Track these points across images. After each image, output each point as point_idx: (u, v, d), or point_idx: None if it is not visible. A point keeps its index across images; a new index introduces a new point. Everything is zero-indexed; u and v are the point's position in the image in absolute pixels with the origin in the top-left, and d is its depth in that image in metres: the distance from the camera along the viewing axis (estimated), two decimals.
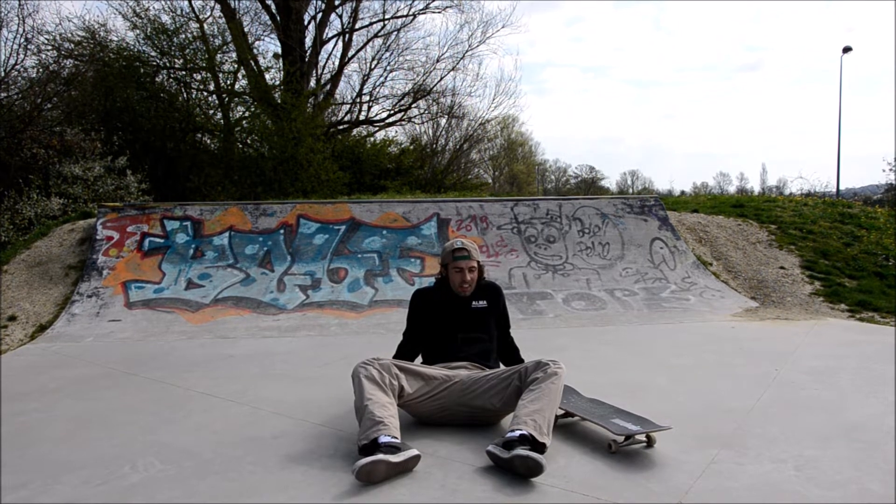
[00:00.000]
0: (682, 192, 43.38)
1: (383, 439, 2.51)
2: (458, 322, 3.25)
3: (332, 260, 7.63)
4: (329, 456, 2.73)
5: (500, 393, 2.91)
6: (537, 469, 2.38)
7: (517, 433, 2.52)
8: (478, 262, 3.30)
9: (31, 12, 19.41)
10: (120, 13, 16.96)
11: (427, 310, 3.34)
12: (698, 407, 3.36)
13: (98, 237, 7.65)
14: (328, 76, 21.65)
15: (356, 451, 2.58)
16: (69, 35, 15.70)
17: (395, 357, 3.31)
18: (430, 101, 22.64)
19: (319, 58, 20.75)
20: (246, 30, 18.48)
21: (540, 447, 2.50)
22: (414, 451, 2.52)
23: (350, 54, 21.60)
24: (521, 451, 2.41)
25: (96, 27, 16.43)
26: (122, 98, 15.21)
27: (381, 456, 2.42)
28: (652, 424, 2.78)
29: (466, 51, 22.46)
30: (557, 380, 2.80)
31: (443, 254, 3.35)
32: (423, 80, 22.00)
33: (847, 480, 2.40)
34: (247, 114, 17.89)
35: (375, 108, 22.65)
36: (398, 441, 2.55)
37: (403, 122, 23.09)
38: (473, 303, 3.29)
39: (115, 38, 16.72)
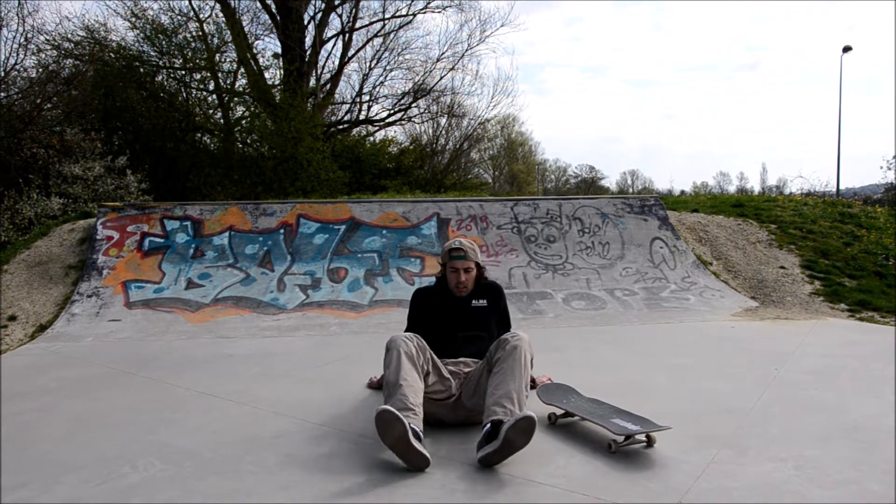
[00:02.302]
0: (682, 192, 43.33)
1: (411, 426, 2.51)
2: (458, 320, 3.25)
3: (332, 260, 7.63)
4: (329, 456, 2.73)
5: (481, 385, 2.91)
6: (531, 426, 2.39)
7: (489, 424, 2.53)
8: (476, 262, 3.27)
9: (31, 12, 19.39)
10: (118, 13, 17.00)
11: (427, 308, 3.35)
12: (698, 407, 3.36)
13: (98, 237, 7.65)
14: (328, 76, 21.68)
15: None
16: (69, 35, 15.74)
17: None
18: (430, 101, 22.65)
19: (319, 57, 20.75)
20: (246, 29, 18.49)
21: None
22: (427, 454, 2.52)
23: (350, 54, 21.63)
24: (505, 426, 2.41)
25: (96, 27, 16.48)
26: (122, 98, 15.22)
27: (407, 421, 2.44)
28: (652, 424, 2.78)
29: (466, 50, 22.48)
30: (517, 352, 2.78)
31: (441, 252, 3.35)
32: (423, 80, 22.02)
33: (847, 480, 2.40)
34: (246, 113, 17.90)
35: (375, 108, 22.69)
36: (421, 434, 2.57)
37: (403, 122, 23.11)
38: (473, 301, 3.28)
39: (115, 38, 16.76)
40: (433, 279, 3.48)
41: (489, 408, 2.62)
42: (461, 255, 3.21)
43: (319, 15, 20.40)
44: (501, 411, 2.57)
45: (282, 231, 7.94)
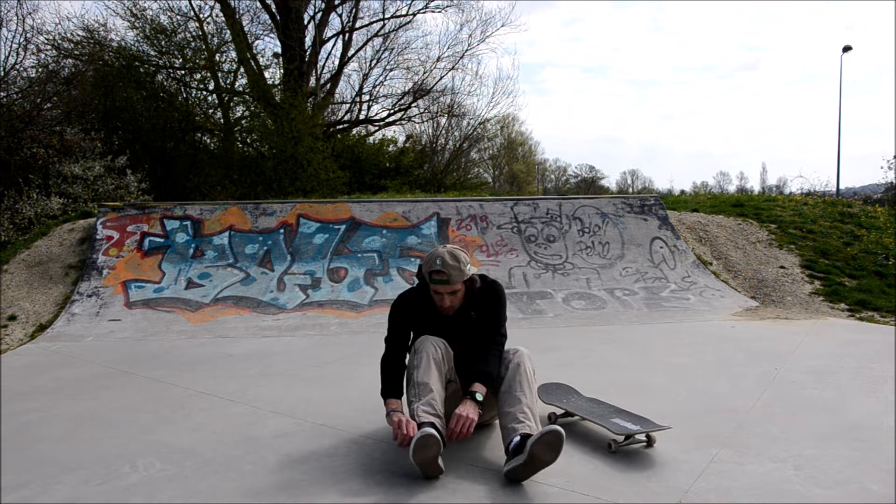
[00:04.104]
0: (682, 192, 43.27)
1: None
2: (452, 336, 2.89)
3: (332, 259, 7.63)
4: (329, 456, 2.73)
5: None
6: (559, 439, 2.28)
7: (517, 437, 2.44)
8: (464, 281, 2.79)
9: (31, 12, 19.44)
10: (118, 13, 16.97)
11: (415, 321, 2.96)
12: (698, 407, 3.36)
13: (98, 237, 7.65)
14: (328, 76, 21.68)
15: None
16: (69, 35, 15.73)
17: (383, 372, 3.06)
18: (430, 101, 22.63)
19: (319, 57, 20.75)
20: (246, 29, 18.50)
21: None
22: (443, 466, 2.51)
23: (350, 54, 21.63)
24: (531, 440, 2.32)
25: (96, 27, 16.47)
26: (122, 98, 15.21)
27: (441, 442, 2.44)
28: (652, 424, 2.78)
29: (466, 50, 22.46)
30: (521, 369, 2.69)
31: (423, 264, 2.85)
32: (423, 80, 22.02)
33: (847, 480, 2.41)
34: (246, 113, 17.90)
35: (375, 108, 22.69)
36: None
37: (403, 122, 23.08)
38: (472, 313, 2.91)
39: (115, 38, 16.74)
40: (415, 282, 3.07)
41: (508, 425, 2.52)
42: (443, 279, 2.72)
43: (319, 15, 20.42)
44: (521, 426, 2.47)
45: (282, 231, 7.94)
